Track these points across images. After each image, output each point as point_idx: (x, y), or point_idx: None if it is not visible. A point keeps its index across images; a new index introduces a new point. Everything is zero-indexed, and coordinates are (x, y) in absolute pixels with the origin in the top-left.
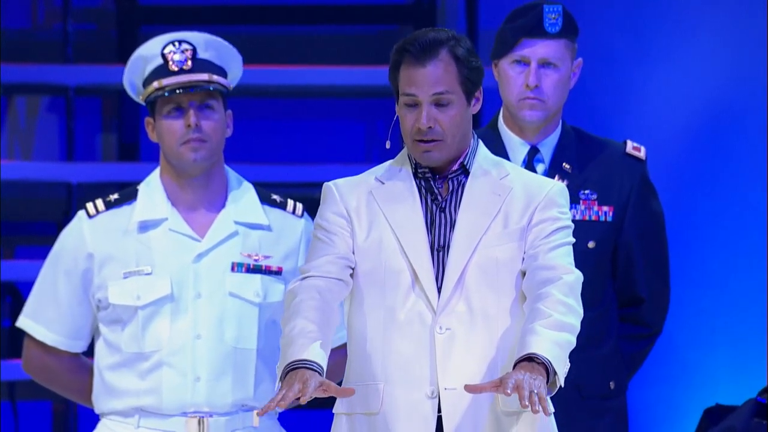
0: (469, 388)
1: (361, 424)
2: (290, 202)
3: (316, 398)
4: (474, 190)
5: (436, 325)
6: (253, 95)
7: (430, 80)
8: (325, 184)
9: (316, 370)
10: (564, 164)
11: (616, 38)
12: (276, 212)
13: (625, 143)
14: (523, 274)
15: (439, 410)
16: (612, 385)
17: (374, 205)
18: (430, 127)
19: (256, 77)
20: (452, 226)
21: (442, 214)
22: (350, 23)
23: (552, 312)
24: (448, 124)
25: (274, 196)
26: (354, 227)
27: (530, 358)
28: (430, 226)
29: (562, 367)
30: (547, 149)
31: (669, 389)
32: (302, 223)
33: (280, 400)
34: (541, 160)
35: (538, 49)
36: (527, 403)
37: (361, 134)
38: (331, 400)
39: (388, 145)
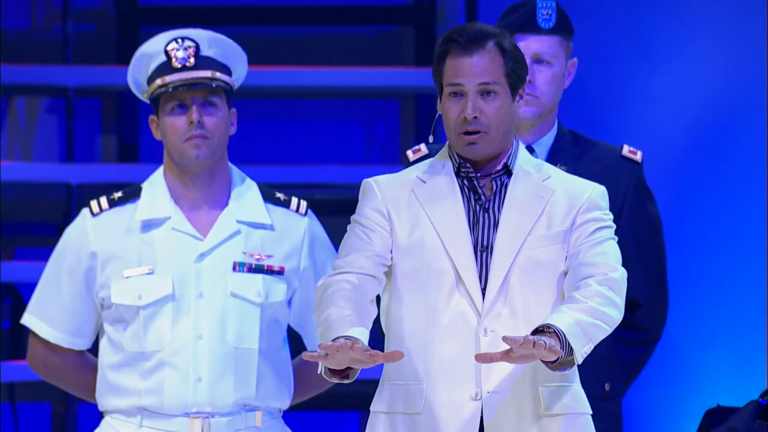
0: (479, 358)
1: (403, 424)
2: (294, 200)
3: (320, 400)
4: (517, 190)
5: (481, 327)
6: (252, 96)
7: (476, 70)
8: (365, 180)
9: None
10: (559, 165)
11: (616, 38)
12: (279, 211)
13: (622, 146)
14: (565, 274)
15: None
16: (607, 386)
17: (416, 203)
18: (475, 117)
19: (255, 78)
20: (496, 226)
21: (486, 214)
22: (350, 24)
23: (587, 300)
24: (494, 116)
25: (278, 194)
26: (394, 226)
27: (542, 330)
28: (473, 226)
29: (579, 344)
30: (542, 149)
31: (668, 390)
32: (305, 221)
33: (331, 347)
34: None
35: (531, 44)
36: (534, 348)
37: (360, 135)
38: (336, 401)
39: (431, 140)
